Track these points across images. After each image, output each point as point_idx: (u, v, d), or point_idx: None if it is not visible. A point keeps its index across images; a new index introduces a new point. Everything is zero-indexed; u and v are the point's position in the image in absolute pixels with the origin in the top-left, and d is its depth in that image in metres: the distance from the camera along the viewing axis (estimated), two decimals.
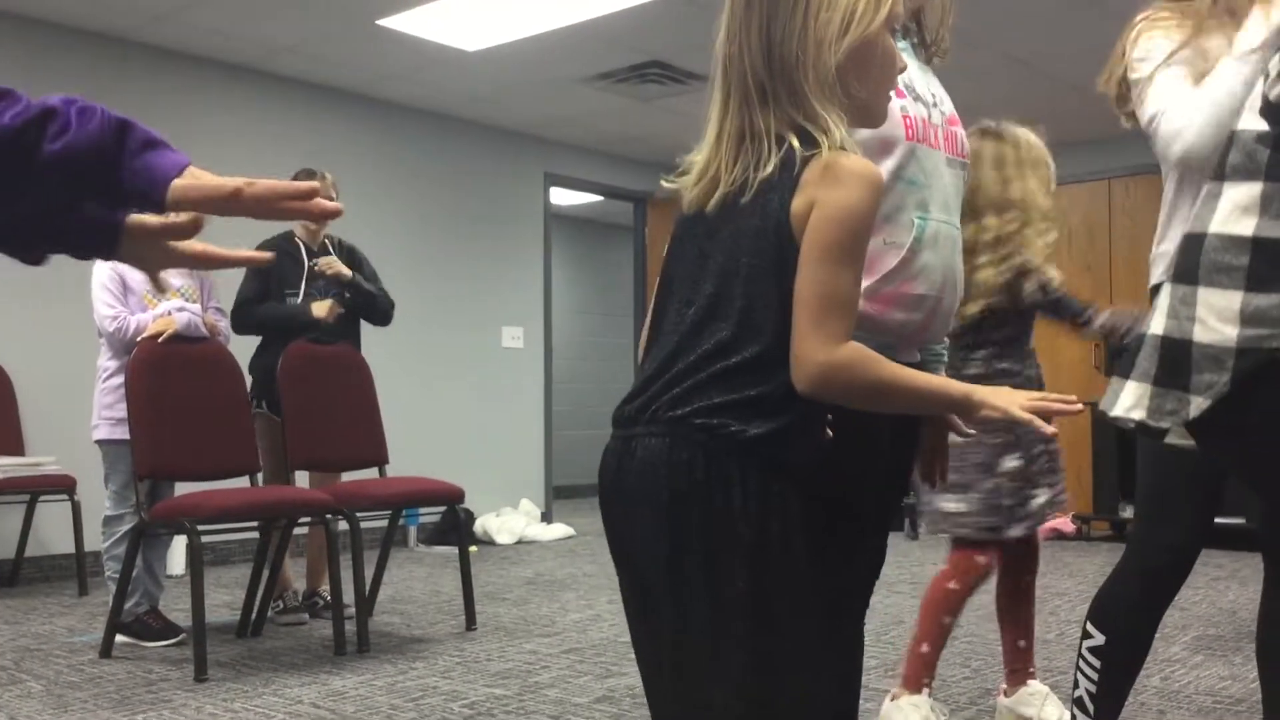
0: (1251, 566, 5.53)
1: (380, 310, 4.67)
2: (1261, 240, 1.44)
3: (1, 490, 4.90)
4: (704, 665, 1.30)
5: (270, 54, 6.22)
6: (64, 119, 1.07)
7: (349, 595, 4.06)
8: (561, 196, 9.05)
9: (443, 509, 5.35)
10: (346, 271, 4.50)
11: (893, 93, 1.46)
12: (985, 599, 3.04)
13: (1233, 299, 1.45)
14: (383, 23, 5.73)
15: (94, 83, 5.66)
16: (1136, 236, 6.97)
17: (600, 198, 9.11)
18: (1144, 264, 2.27)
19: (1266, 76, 1.50)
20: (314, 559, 4.61)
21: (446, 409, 7.28)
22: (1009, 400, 1.32)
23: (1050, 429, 1.31)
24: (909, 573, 5.60)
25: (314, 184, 1.14)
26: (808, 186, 1.28)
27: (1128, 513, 6.58)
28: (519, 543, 7.16)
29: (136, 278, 4.03)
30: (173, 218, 1.16)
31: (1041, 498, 2.75)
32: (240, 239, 1.83)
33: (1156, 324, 1.55)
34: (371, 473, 4.54)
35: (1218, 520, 2.17)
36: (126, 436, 3.93)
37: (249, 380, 4.38)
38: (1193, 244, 1.52)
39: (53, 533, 5.49)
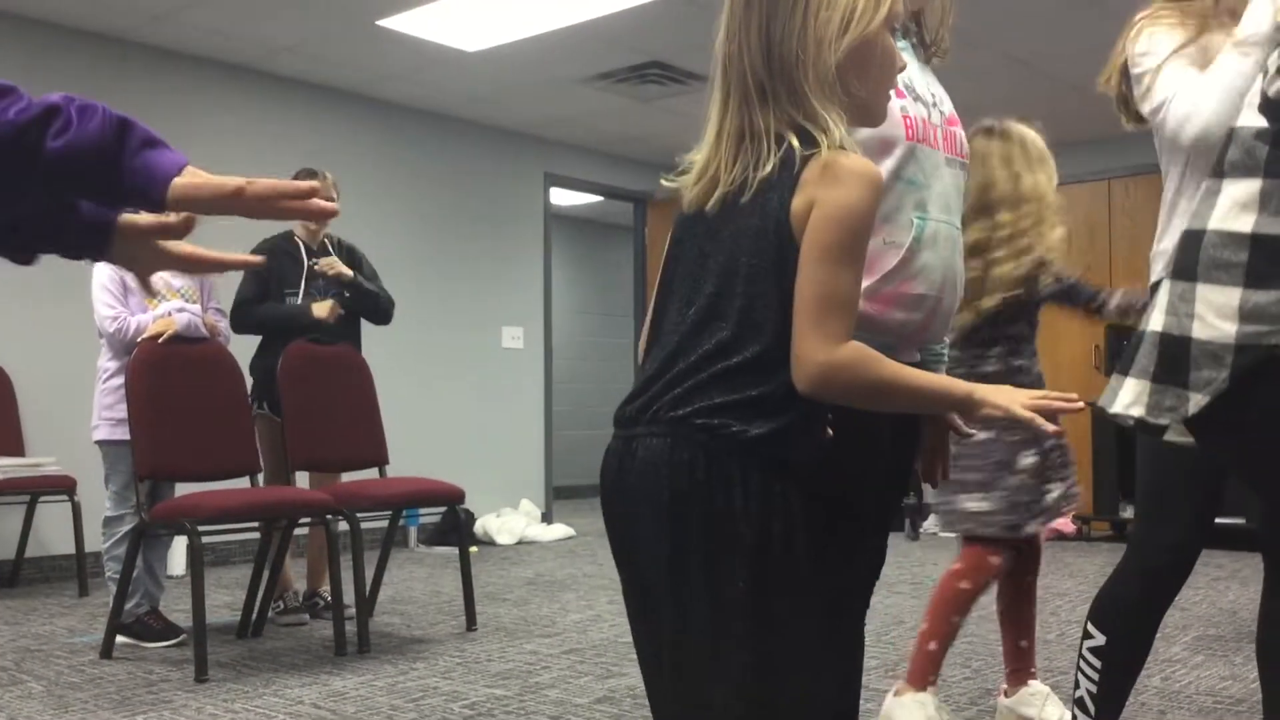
0: (1251, 566, 5.52)
1: (381, 310, 4.66)
2: (1260, 237, 1.44)
3: (1, 491, 4.90)
4: (705, 665, 1.30)
5: (270, 54, 6.22)
6: (66, 117, 1.07)
7: (349, 596, 4.06)
8: (561, 196, 9.05)
9: (443, 509, 5.36)
10: (347, 271, 4.49)
11: (892, 92, 1.46)
12: (986, 599, 3.03)
13: (1231, 295, 1.45)
14: (383, 23, 5.73)
15: (94, 83, 5.66)
16: (1136, 236, 6.96)
17: (600, 198, 9.11)
18: (1144, 264, 2.27)
19: (1265, 73, 1.50)
20: (314, 559, 4.61)
21: (446, 409, 7.27)
22: (1010, 399, 1.32)
23: (1053, 427, 1.31)
24: (909, 573, 5.60)
25: (314, 183, 1.15)
26: (807, 186, 1.28)
27: (1128, 513, 6.58)
28: (519, 543, 7.16)
29: None
30: (165, 217, 1.16)
31: (1055, 492, 2.77)
32: (239, 239, 1.82)
33: (1155, 321, 1.55)
34: (372, 473, 4.54)
35: (1218, 520, 2.18)
36: (127, 437, 3.93)
37: (249, 381, 4.38)
38: (1192, 240, 1.52)
39: (53, 533, 5.49)
